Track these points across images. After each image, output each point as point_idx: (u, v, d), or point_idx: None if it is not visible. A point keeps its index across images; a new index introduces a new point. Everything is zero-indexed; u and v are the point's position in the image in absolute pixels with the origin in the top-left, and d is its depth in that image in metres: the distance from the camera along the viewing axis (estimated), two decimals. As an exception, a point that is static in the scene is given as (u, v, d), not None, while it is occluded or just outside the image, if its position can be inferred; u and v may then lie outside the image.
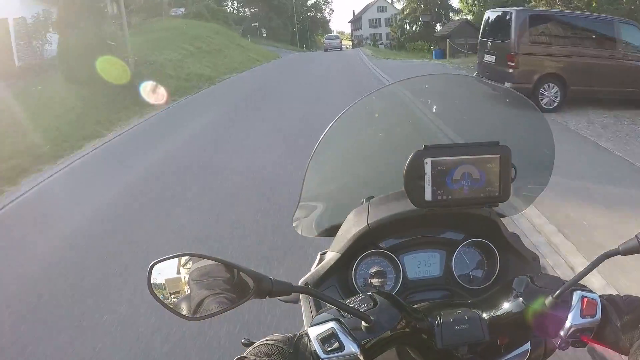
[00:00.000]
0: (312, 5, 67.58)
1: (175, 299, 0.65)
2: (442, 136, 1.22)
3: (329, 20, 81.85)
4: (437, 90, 1.31)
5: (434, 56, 26.30)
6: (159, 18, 28.12)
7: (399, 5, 52.55)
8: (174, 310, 0.64)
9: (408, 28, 45.24)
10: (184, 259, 0.66)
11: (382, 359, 0.71)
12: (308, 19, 66.24)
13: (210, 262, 0.66)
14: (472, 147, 0.84)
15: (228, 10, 52.62)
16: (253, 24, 48.36)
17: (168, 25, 24.73)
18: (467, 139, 1.18)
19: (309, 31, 65.50)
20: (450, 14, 43.11)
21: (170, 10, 31.74)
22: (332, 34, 60.56)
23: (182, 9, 32.22)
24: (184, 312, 0.64)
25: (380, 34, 59.08)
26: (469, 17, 37.77)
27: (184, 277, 0.66)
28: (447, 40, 25.18)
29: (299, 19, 63.59)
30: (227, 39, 27.48)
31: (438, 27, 41.88)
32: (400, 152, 0.88)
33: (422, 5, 42.93)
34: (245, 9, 60.10)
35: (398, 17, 48.83)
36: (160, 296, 0.64)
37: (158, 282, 0.65)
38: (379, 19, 61.77)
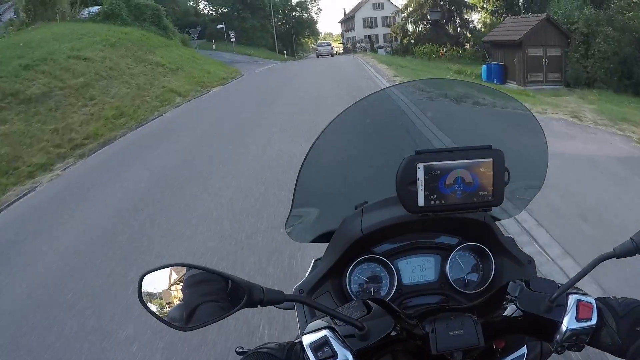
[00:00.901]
0: (297, 4, 57.74)
1: (167, 309, 0.65)
2: (435, 141, 1.22)
3: (317, 21, 75.74)
4: (429, 94, 1.31)
5: (484, 75, 19.23)
6: (49, 23, 18.05)
7: (399, 1, 45.12)
8: (166, 321, 0.63)
9: (412, 28, 39.99)
10: (175, 268, 0.65)
11: None
12: (293, 20, 57.46)
13: (202, 272, 0.65)
14: (464, 152, 0.84)
15: (177, 8, 40.82)
16: (219, 26, 40.35)
17: (34, 37, 13.13)
18: (459, 143, 1.19)
19: (293, 33, 57.76)
20: (465, 11, 38.05)
21: (78, 11, 21.61)
22: (324, 41, 58.79)
23: (96, 8, 20.97)
24: (176, 322, 0.64)
25: (377, 36, 51.75)
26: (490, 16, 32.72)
27: (176, 287, 0.65)
28: (521, 52, 17.36)
29: (283, 20, 56.24)
30: (147, 50, 16.39)
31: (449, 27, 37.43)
32: (393, 158, 0.88)
33: (431, 1, 37.26)
34: (211, 8, 49.47)
35: (400, 16, 42.63)
36: (152, 306, 0.64)
37: (149, 292, 0.64)
38: (375, 17, 52.82)
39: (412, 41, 38.90)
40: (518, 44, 18.59)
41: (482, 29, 36.03)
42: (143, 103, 11.16)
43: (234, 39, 38.48)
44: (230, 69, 21.25)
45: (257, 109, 10.18)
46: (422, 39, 37.51)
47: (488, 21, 35.56)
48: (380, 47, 44.41)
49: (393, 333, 0.68)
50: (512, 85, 17.96)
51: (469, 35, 38.71)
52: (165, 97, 12.14)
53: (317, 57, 39.42)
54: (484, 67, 20.02)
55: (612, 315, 0.69)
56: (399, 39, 42.22)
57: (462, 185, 0.83)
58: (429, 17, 36.86)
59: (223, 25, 40.04)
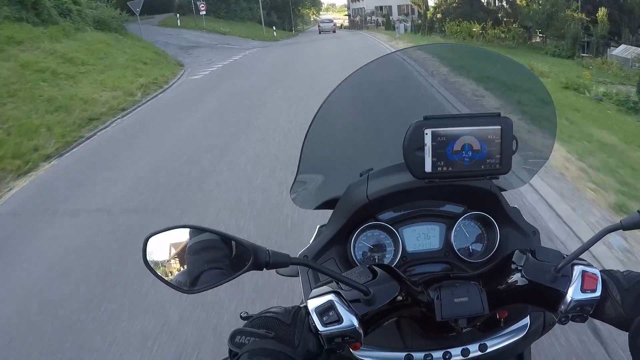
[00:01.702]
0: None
1: (172, 272, 0.65)
2: (443, 107, 1.20)
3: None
4: (438, 59, 1.29)
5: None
6: None
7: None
8: (171, 284, 0.64)
9: (438, -1, 32.16)
10: (180, 231, 0.65)
11: (381, 331, 0.71)
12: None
13: (208, 235, 0.65)
14: (473, 119, 0.83)
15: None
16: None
17: None
18: (469, 110, 1.17)
19: (292, 4, 51.05)
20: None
21: None
22: (325, 17, 54.92)
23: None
24: (182, 285, 0.64)
25: (390, 7, 45.04)
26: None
27: (182, 249, 0.65)
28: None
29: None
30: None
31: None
32: (400, 124, 0.86)
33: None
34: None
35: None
36: (157, 269, 0.64)
37: (154, 255, 0.64)
38: (388, -16, 45.11)
39: (439, 15, 31.23)
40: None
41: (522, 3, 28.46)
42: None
43: (203, 12, 30.36)
44: (154, 72, 12.97)
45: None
46: (452, 13, 29.30)
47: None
48: (401, 21, 33.99)
49: (398, 298, 0.68)
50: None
51: (510, 10, 29.37)
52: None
53: (320, 32, 38.87)
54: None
55: (617, 287, 0.68)
56: (418, 11, 35.34)
57: (469, 152, 0.82)
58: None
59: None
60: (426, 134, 0.81)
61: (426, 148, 0.82)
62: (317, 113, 1.02)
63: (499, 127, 0.82)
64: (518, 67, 1.16)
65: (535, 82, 1.12)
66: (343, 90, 1.05)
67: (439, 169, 0.83)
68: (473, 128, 0.82)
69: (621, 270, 0.72)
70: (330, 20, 45.19)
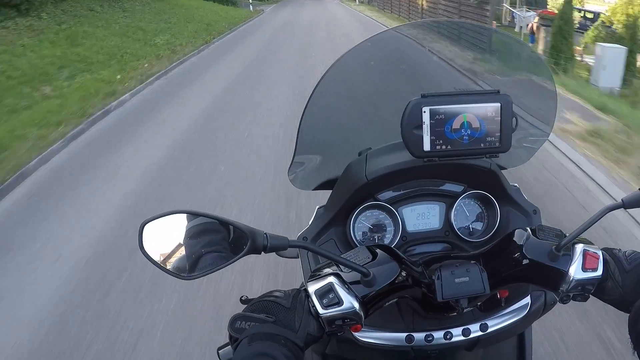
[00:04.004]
0: None
1: (170, 258, 0.64)
2: (442, 84, 1.18)
3: None
4: (436, 35, 1.26)
5: None
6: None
7: None
8: (168, 270, 0.63)
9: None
10: (177, 216, 0.64)
11: (382, 312, 0.71)
12: None
13: (205, 219, 0.65)
14: (471, 96, 0.81)
15: None
16: None
17: None
18: (468, 87, 1.15)
19: None
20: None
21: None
22: None
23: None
24: (180, 271, 0.63)
25: None
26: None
27: (178, 235, 0.64)
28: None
29: None
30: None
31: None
32: (398, 102, 0.85)
33: None
34: None
35: None
36: (154, 256, 0.63)
37: (151, 241, 0.63)
38: None
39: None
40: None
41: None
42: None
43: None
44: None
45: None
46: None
47: None
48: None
49: (399, 279, 0.67)
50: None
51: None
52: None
53: None
54: None
55: (619, 269, 0.68)
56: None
57: (468, 130, 0.81)
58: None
59: None
60: (424, 112, 0.80)
61: (424, 126, 0.80)
62: (312, 93, 1.00)
63: (498, 104, 0.81)
64: (516, 43, 1.14)
65: (534, 58, 1.10)
66: (339, 69, 1.03)
67: (438, 147, 0.81)
68: (472, 105, 0.80)
69: (623, 250, 0.71)
70: None
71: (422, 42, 1.22)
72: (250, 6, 28.58)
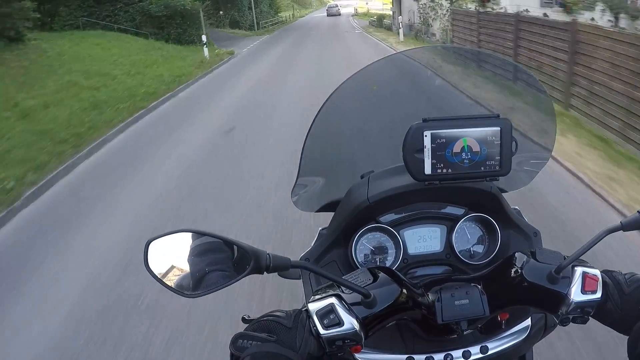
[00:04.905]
0: None
1: (174, 276, 0.65)
2: (444, 109, 1.20)
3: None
4: (437, 61, 1.29)
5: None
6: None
7: None
8: (172, 288, 0.64)
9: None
10: (182, 235, 0.66)
11: (383, 334, 0.71)
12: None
13: (209, 238, 0.66)
14: (472, 120, 0.83)
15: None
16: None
17: None
18: (468, 111, 1.17)
19: None
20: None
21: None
22: (332, 3, 61.18)
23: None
24: (183, 289, 0.64)
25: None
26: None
27: (183, 254, 0.66)
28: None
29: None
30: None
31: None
32: (400, 126, 0.87)
33: None
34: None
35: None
36: (158, 273, 0.64)
37: (156, 259, 0.65)
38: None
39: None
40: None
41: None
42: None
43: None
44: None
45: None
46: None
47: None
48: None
49: (399, 301, 0.68)
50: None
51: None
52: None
53: (328, 16, 46.73)
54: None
55: (618, 291, 0.68)
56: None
57: (469, 154, 0.82)
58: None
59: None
60: (425, 136, 0.81)
61: (425, 150, 0.82)
62: (316, 116, 1.02)
63: (498, 128, 0.82)
64: (514, 67, 1.17)
65: (532, 82, 1.12)
66: (342, 92, 1.05)
67: (439, 171, 0.83)
68: (472, 129, 0.82)
69: (623, 272, 0.72)
70: (336, 5, 55.32)
71: (427, 66, 1.25)
72: (205, 50, 16.25)
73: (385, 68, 1.21)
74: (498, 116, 0.84)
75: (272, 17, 35.75)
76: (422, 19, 18.64)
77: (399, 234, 0.94)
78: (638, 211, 0.70)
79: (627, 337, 0.65)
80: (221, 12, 24.91)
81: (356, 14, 48.75)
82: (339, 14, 48.20)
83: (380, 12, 35.74)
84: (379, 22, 27.49)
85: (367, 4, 54.89)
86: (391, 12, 25.63)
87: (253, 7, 29.61)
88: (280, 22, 38.58)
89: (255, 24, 29.83)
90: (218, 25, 26.19)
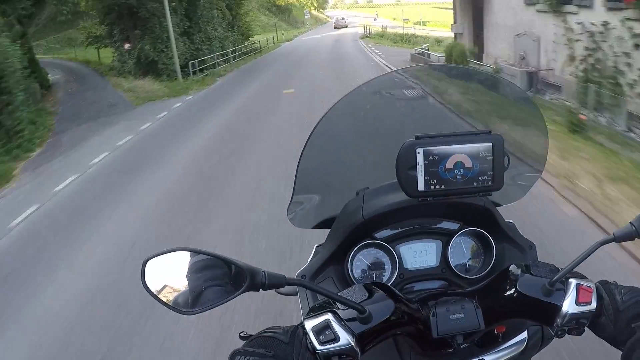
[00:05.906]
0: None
1: (172, 294, 0.66)
2: (437, 125, 1.22)
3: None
4: (430, 79, 1.31)
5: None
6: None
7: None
8: (170, 305, 0.64)
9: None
10: (178, 254, 0.66)
11: (379, 349, 0.71)
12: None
13: (205, 256, 0.66)
14: (464, 137, 0.84)
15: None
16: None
17: None
18: (460, 128, 1.19)
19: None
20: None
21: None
22: (340, 16, 60.77)
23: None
24: (181, 307, 0.65)
25: None
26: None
27: (180, 272, 0.66)
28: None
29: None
30: None
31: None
32: (393, 143, 0.88)
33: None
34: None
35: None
36: (156, 291, 0.64)
37: (153, 278, 0.65)
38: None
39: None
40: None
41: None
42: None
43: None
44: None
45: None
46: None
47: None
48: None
49: (394, 317, 0.68)
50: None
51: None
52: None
53: (335, 28, 47.23)
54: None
55: (613, 307, 0.68)
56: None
57: (462, 170, 0.83)
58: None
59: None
60: (418, 153, 0.83)
61: (418, 167, 0.83)
62: (311, 134, 1.04)
63: (490, 144, 0.83)
64: (505, 83, 1.19)
65: (524, 97, 1.14)
66: (337, 110, 1.06)
67: (432, 187, 0.84)
68: (464, 146, 0.83)
69: (618, 283, 0.72)
70: (343, 18, 56.17)
71: (421, 84, 1.27)
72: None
73: (379, 86, 1.22)
74: (490, 132, 0.85)
75: (238, 43, 23.39)
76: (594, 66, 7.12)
77: (394, 250, 0.94)
78: (630, 222, 0.70)
79: (621, 352, 0.66)
80: (127, 46, 16.25)
81: (367, 36, 30.31)
82: (346, 26, 47.25)
83: (401, 32, 27.39)
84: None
85: (375, 20, 46.75)
86: (452, 33, 14.23)
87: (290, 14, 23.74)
88: (251, 52, 25.08)
89: (188, 65, 16.68)
90: (120, 71, 16.64)
